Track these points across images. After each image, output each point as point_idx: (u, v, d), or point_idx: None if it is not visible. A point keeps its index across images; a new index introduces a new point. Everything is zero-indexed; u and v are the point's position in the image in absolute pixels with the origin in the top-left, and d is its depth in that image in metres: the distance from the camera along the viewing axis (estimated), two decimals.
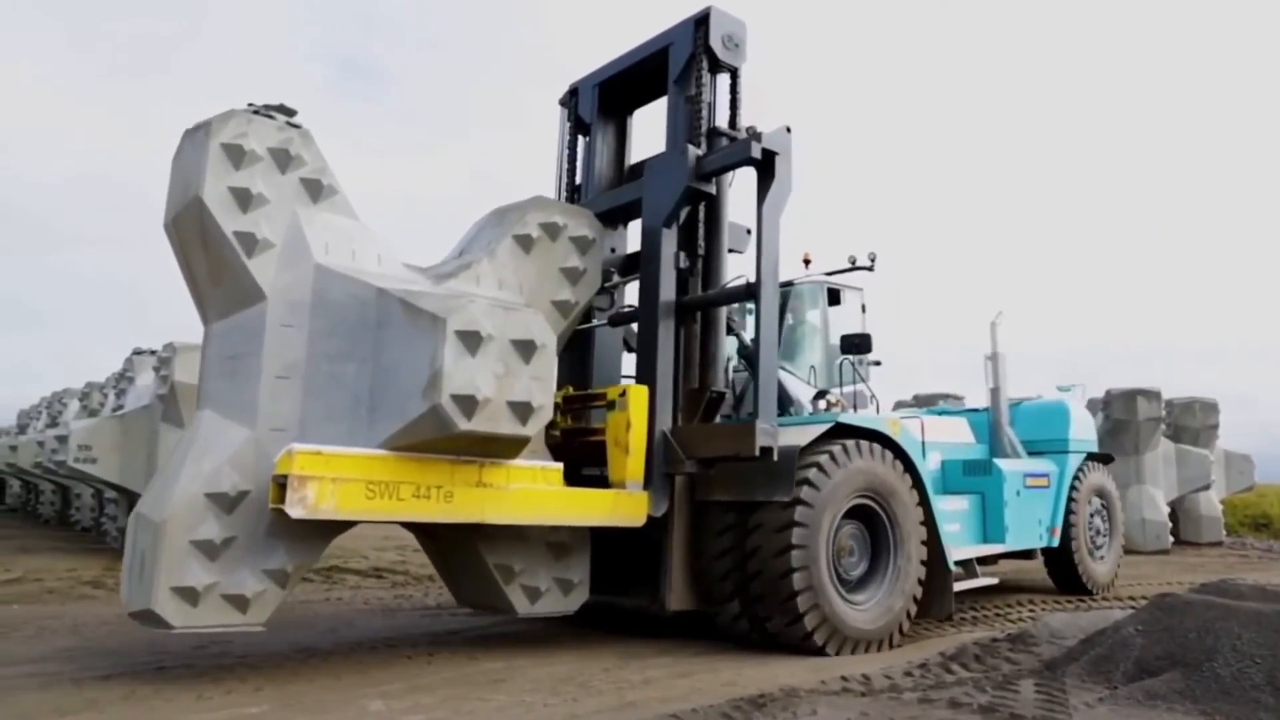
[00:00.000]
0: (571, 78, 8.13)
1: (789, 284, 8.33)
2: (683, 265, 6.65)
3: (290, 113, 5.64)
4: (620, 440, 6.21)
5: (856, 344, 7.18)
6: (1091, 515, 9.95)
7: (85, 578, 9.80)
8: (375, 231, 5.81)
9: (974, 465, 9.06)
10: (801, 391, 8.01)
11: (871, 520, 6.70)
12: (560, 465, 5.88)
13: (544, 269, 6.54)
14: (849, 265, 8.89)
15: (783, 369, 8.02)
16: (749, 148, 6.19)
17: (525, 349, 5.19)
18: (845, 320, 8.68)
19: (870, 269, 8.98)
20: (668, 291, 6.50)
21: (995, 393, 9.99)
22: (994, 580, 8.24)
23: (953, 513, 8.49)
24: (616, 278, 7.38)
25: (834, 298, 8.56)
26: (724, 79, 7.10)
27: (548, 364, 5.34)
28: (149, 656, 5.73)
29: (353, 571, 10.88)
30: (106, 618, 7.25)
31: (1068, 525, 9.49)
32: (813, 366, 8.27)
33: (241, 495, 5.02)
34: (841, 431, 6.55)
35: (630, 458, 6.19)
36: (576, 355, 7.65)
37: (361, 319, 5.34)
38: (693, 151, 6.50)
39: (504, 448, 5.28)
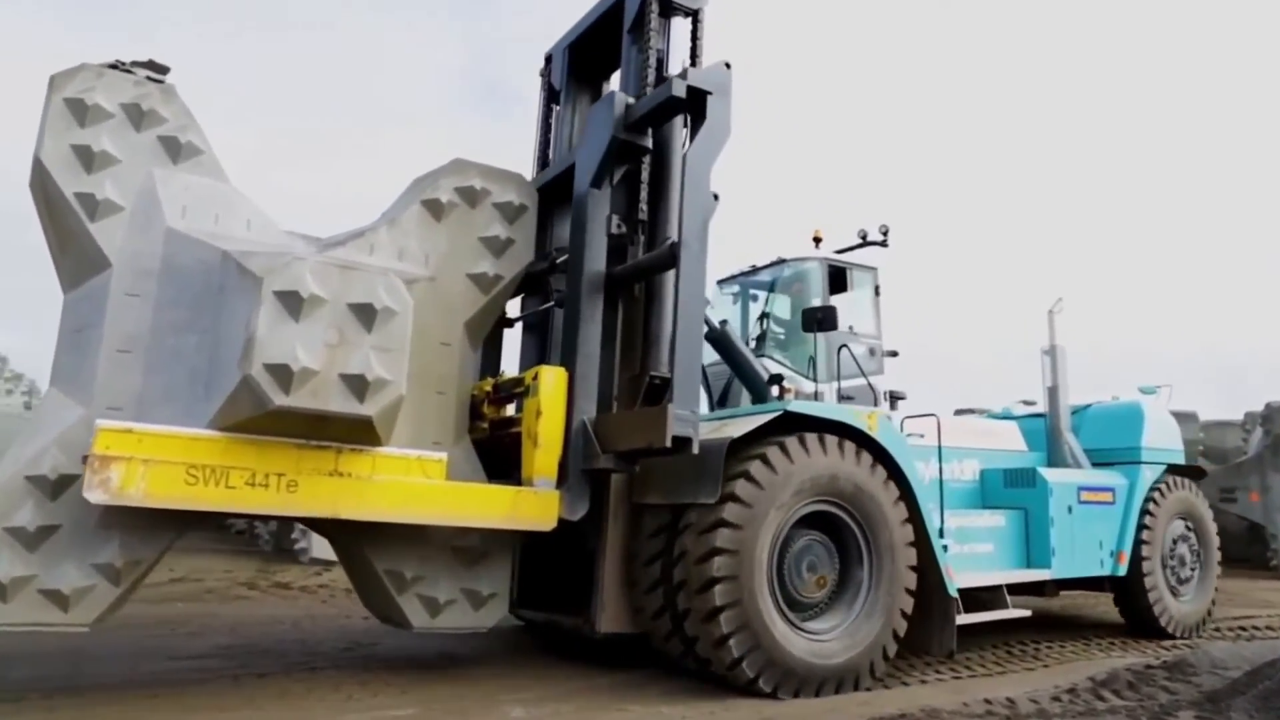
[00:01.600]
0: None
1: (780, 262, 7.29)
2: (616, 230, 5.77)
3: (160, 69, 5.19)
4: (530, 430, 5.39)
5: (819, 319, 6.06)
6: (1174, 542, 8.27)
7: (240, 579, 10.11)
8: (248, 196, 5.26)
9: (1016, 475, 7.66)
10: (793, 385, 6.92)
11: (841, 533, 5.57)
12: (444, 456, 5.11)
13: (459, 238, 5.81)
14: (859, 241, 7.76)
15: (774, 360, 6.99)
16: (671, 86, 5.29)
17: (366, 315, 4.48)
18: (857, 307, 7.53)
19: (883, 244, 7.82)
20: (595, 261, 5.65)
21: (1052, 392, 8.52)
22: (1022, 613, 6.84)
23: (985, 530, 7.18)
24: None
25: (838, 279, 7.42)
26: (684, 24, 6.22)
27: (397, 334, 4.60)
28: (302, 657, 5.98)
29: None
30: (261, 618, 7.64)
31: (1138, 550, 7.88)
32: (811, 358, 7.15)
33: (66, 480, 4.51)
34: (800, 424, 5.48)
35: (540, 450, 5.35)
36: (535, 339, 6.92)
37: (206, 285, 4.78)
38: (620, 99, 5.65)
39: (347, 430, 4.57)
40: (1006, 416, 9.26)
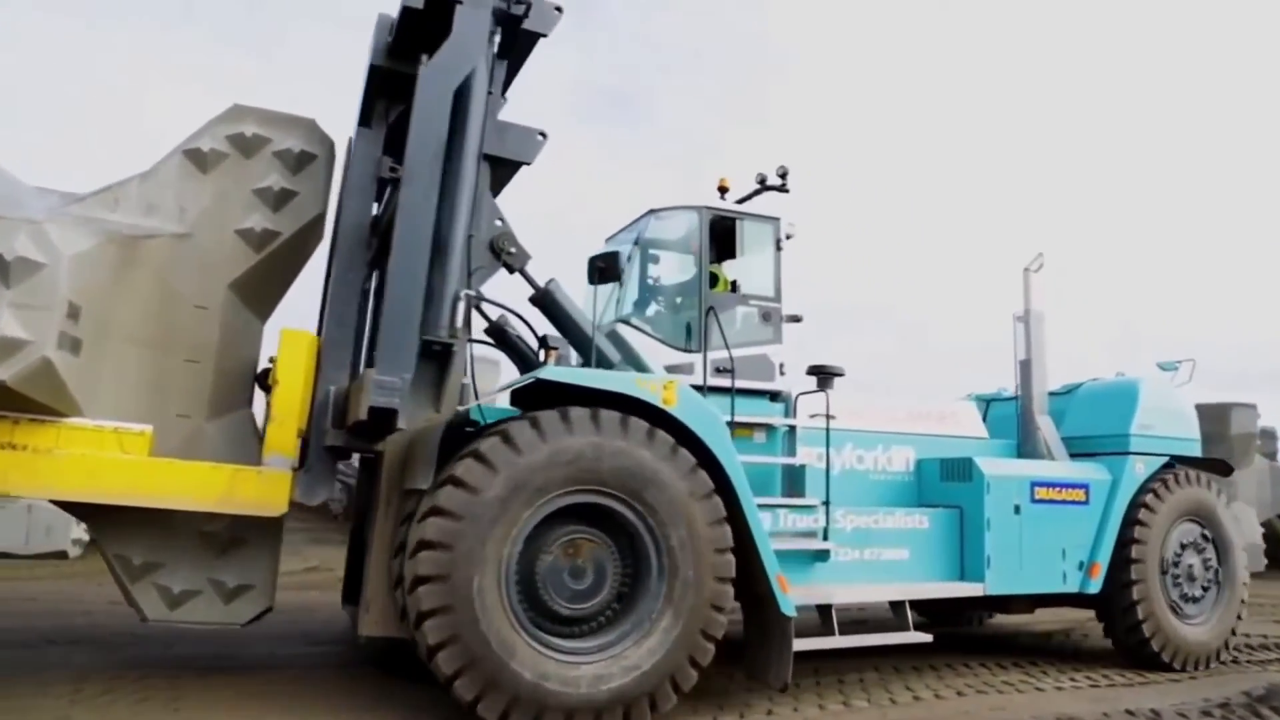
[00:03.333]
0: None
1: (649, 213, 6.27)
2: (388, 174, 5.02)
3: None
4: (267, 403, 4.74)
5: (601, 269, 4.99)
6: (1178, 551, 6.62)
7: None
8: None
9: (952, 467, 6.31)
10: (656, 356, 5.91)
11: (631, 533, 4.58)
12: (147, 429, 4.52)
13: (227, 190, 5.21)
14: (757, 186, 6.62)
15: (638, 328, 6.01)
16: None
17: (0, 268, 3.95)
18: (751, 263, 6.40)
19: (782, 189, 6.63)
20: (353, 210, 4.95)
21: (1025, 367, 7.04)
22: (921, 637, 5.53)
23: (896, 533, 5.94)
24: None
25: (724, 232, 6.30)
26: None
27: (44, 289, 4.04)
28: None
29: None
30: None
31: (1122, 561, 6.33)
32: (689, 325, 6.09)
33: None
34: (571, 397, 4.54)
35: (273, 425, 4.72)
36: None
37: None
38: (381, 20, 4.90)
39: (5, 396, 4.05)
40: (993, 398, 7.78)
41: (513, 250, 5.56)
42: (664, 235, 6.34)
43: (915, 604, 6.37)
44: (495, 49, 5.42)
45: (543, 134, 5.80)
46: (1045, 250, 7.07)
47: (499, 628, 4.15)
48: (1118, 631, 6.45)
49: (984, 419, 7.45)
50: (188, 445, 4.85)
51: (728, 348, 5.73)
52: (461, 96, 5.25)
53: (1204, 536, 6.75)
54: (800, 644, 4.90)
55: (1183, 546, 6.63)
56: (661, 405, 4.65)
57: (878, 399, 6.74)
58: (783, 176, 6.59)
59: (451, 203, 5.18)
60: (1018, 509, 6.10)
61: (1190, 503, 6.67)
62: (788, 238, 6.56)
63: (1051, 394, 7.42)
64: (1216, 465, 7.14)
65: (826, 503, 5.69)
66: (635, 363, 5.87)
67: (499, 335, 5.68)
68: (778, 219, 6.39)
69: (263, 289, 5.34)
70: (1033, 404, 6.91)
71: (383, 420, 4.18)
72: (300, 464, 4.72)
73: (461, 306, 5.10)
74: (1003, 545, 6.00)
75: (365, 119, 5.03)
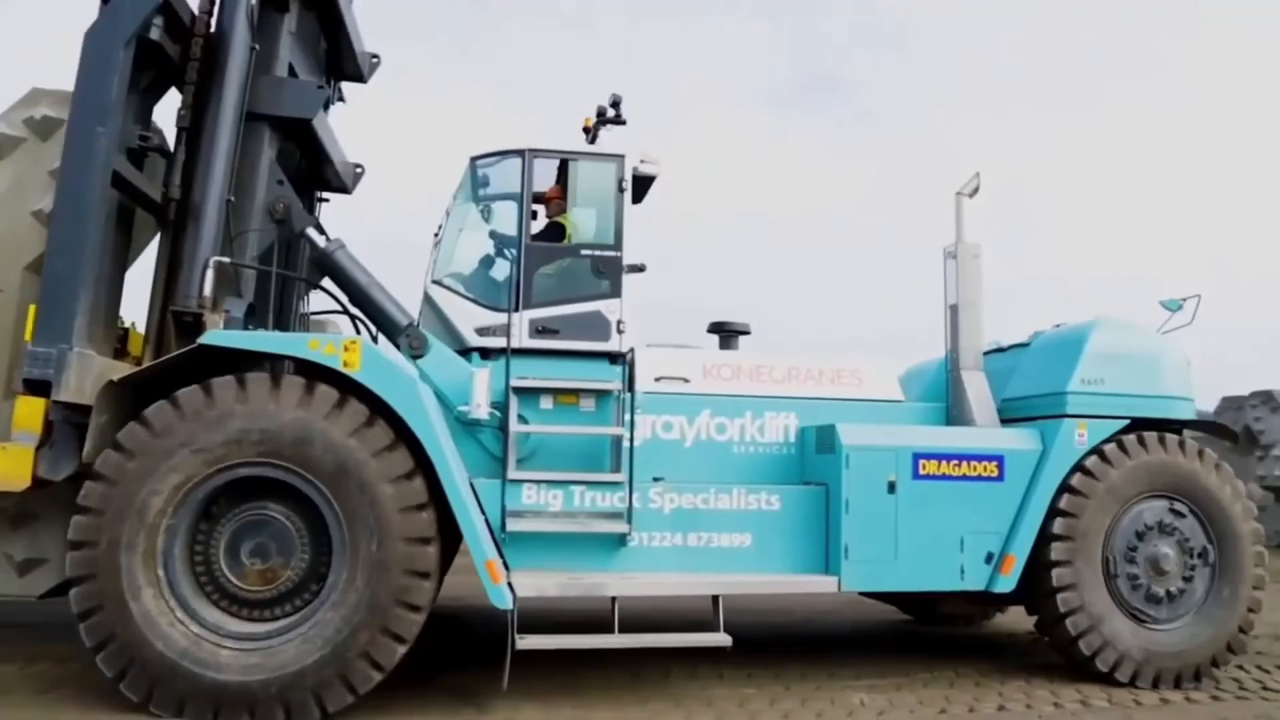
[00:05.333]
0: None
1: (471, 162, 5.70)
2: (136, 144, 4.86)
3: None
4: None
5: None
6: (1139, 535, 5.15)
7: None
8: None
9: (821, 436, 5.29)
10: (466, 318, 5.39)
11: (317, 512, 4.19)
12: None
13: (23, 174, 5.30)
14: (597, 118, 5.84)
15: (445, 288, 5.53)
16: None
17: None
18: (588, 208, 5.66)
19: (617, 120, 5.80)
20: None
21: (955, 313, 5.78)
22: (719, 640, 4.64)
23: (734, 516, 5.11)
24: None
25: (555, 176, 5.60)
26: None
27: None
28: None
29: None
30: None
31: (1048, 551, 5.02)
32: (506, 282, 5.48)
33: None
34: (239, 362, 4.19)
35: (19, 401, 4.72)
36: None
37: None
38: None
39: None
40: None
41: (288, 213, 5.28)
42: (487, 185, 5.76)
43: (895, 599, 5.40)
44: (255, 3, 5.14)
45: (321, 85, 5.46)
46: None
47: (147, 606, 3.93)
48: (1055, 641, 5.16)
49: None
50: None
51: (505, 299, 5.15)
52: (219, 57, 5.04)
53: (1179, 516, 5.21)
54: (528, 642, 4.29)
55: (1144, 531, 5.16)
56: (342, 369, 4.18)
57: (753, 356, 5.78)
58: (615, 105, 5.77)
59: (206, 166, 4.99)
60: (892, 487, 5.00)
61: (1157, 475, 5.17)
62: (646, 177, 5.79)
63: (1009, 347, 6.08)
64: (1216, 430, 5.50)
65: (630, 479, 4.96)
66: (447, 328, 5.40)
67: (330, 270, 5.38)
68: (621, 156, 5.60)
69: None
70: (962, 358, 5.65)
71: (38, 393, 4.06)
72: (45, 439, 4.73)
73: (211, 275, 4.90)
74: (867, 531, 4.94)
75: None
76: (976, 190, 5.79)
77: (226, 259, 4.93)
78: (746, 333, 6.24)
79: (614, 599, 4.68)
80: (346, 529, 4.08)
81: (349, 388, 4.22)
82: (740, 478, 5.33)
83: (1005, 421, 5.63)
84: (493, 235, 5.64)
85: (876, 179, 28.90)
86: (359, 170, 6.75)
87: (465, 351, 5.32)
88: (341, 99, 6.98)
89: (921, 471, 5.05)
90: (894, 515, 4.98)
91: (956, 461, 5.09)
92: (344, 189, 6.63)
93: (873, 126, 31.11)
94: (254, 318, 5.09)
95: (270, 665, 3.97)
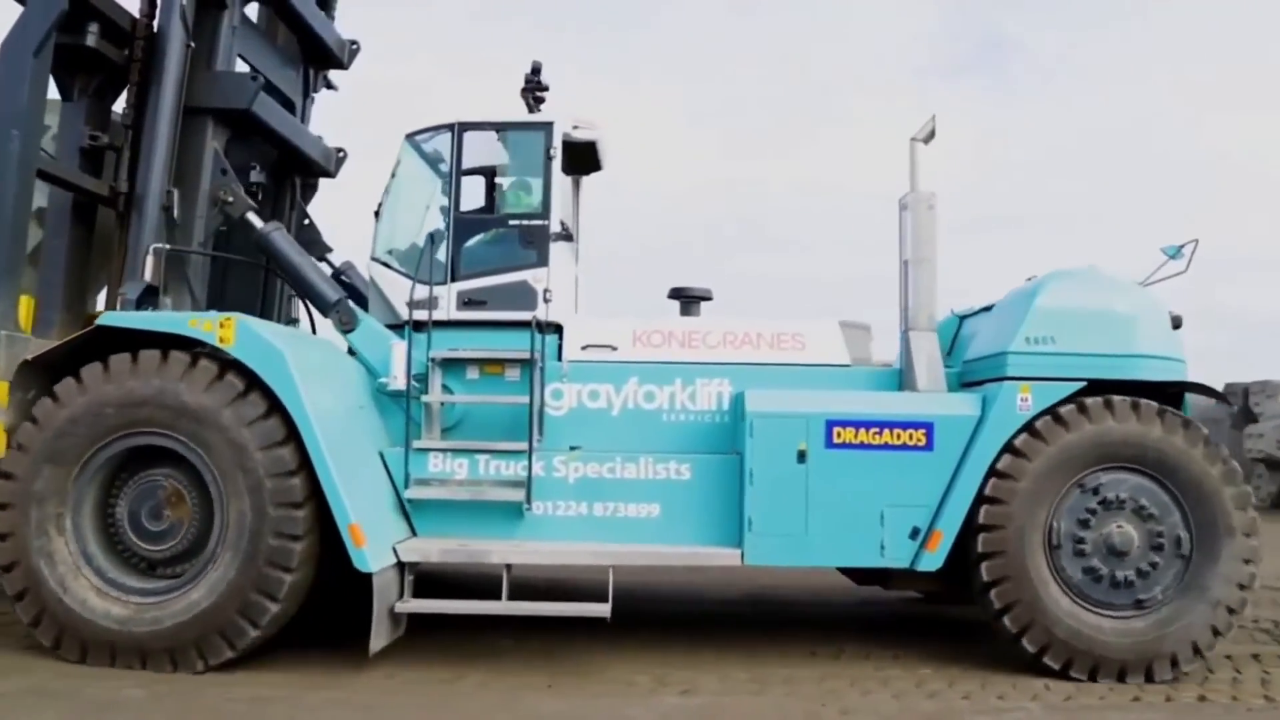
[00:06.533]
0: None
1: (406, 140, 5.78)
2: (87, 144, 5.32)
3: None
4: None
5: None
6: (1091, 511, 4.54)
7: None
8: None
9: (735, 405, 5.03)
10: (401, 292, 5.50)
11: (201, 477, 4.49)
12: None
13: None
14: (523, 88, 5.76)
15: (381, 264, 5.68)
16: None
17: None
18: (517, 178, 5.63)
19: (538, 87, 5.67)
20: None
21: (907, 270, 5.31)
22: (593, 610, 4.53)
23: (644, 486, 5.03)
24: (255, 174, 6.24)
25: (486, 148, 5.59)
26: None
27: None
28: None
29: None
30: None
31: (982, 528, 4.55)
32: (436, 255, 5.54)
33: None
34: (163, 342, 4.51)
35: None
36: None
37: None
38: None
39: None
40: (967, 313, 5.94)
41: (230, 200, 5.59)
42: (421, 160, 5.83)
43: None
44: (189, 1, 5.44)
45: (255, 76, 5.71)
46: None
47: (53, 562, 4.36)
48: (997, 628, 4.68)
49: (954, 340, 5.79)
50: None
51: (409, 272, 5.26)
52: (156, 56, 5.39)
53: (1142, 490, 4.56)
54: (407, 605, 4.41)
55: (1096, 508, 4.55)
56: (218, 345, 4.41)
57: (690, 322, 5.56)
58: (535, 73, 5.66)
59: (147, 159, 5.38)
60: (802, 456, 4.69)
61: (1111, 443, 4.53)
62: (582, 143, 5.69)
63: (981, 310, 5.54)
64: (1205, 392, 4.75)
65: (530, 449, 4.93)
66: (385, 302, 5.57)
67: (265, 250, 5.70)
68: (549, 124, 5.52)
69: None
70: (909, 318, 5.19)
71: None
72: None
73: (151, 261, 5.30)
74: (774, 504, 4.67)
75: (66, 94, 5.37)
76: (932, 135, 5.27)
77: (166, 245, 5.32)
78: (708, 298, 6.03)
79: (507, 567, 4.71)
80: (225, 493, 4.35)
81: (237, 364, 4.48)
82: (669, 447, 5.17)
83: (967, 387, 5.14)
84: (426, 209, 5.74)
85: None
86: (341, 155, 7.05)
87: (402, 325, 5.47)
88: (330, 86, 7.31)
89: (836, 440, 4.70)
90: (804, 487, 4.68)
91: (876, 429, 4.70)
92: (326, 173, 6.96)
93: None
94: (192, 298, 5.46)
95: (162, 618, 4.31)
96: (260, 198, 6.39)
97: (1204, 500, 4.56)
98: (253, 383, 4.42)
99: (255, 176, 6.33)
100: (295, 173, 6.73)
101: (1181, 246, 4.99)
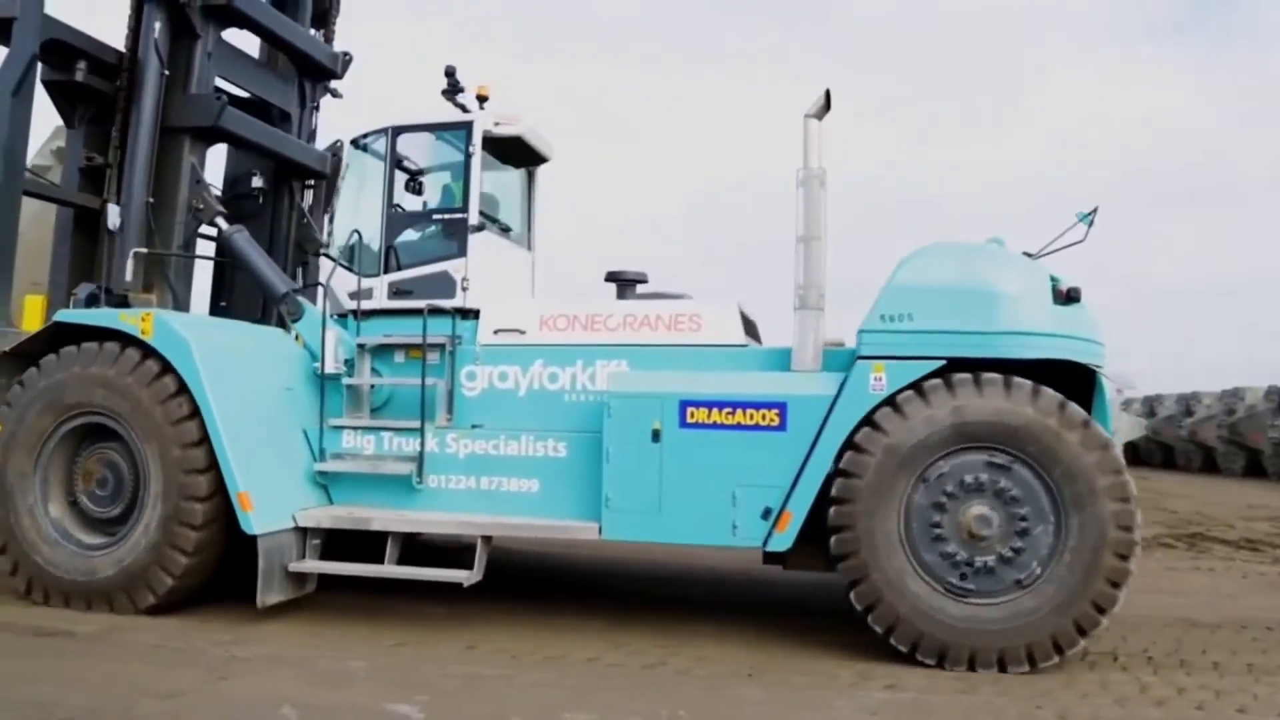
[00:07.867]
0: None
1: (351, 144, 6.26)
2: (84, 164, 6.24)
3: None
4: None
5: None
6: (948, 495, 4.30)
7: None
8: None
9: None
10: (344, 285, 6.02)
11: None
12: None
13: None
14: (445, 91, 6.08)
15: (329, 259, 6.24)
16: None
17: None
18: (439, 177, 5.99)
19: (457, 89, 5.95)
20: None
21: (802, 247, 5.21)
22: (451, 575, 4.80)
23: (523, 462, 5.32)
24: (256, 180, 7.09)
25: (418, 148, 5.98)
26: None
27: None
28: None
29: (1220, 541, 9.41)
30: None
31: (811, 508, 4.44)
32: (372, 250, 6.04)
33: None
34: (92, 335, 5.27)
35: None
36: None
37: None
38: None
39: None
40: None
41: (201, 206, 6.33)
42: (365, 162, 6.30)
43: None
44: (162, 35, 6.18)
45: (220, 95, 6.38)
46: None
47: (38, 523, 5.22)
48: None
49: None
50: None
51: (345, 267, 5.70)
52: (138, 81, 6.19)
53: (1005, 472, 4.25)
54: (300, 566, 4.95)
55: (955, 492, 4.30)
56: (140, 336, 5.07)
57: (594, 304, 5.70)
58: (449, 75, 5.94)
59: (130, 173, 6.20)
60: (656, 435, 4.76)
61: (965, 423, 4.26)
62: (505, 138, 5.98)
63: None
64: (1086, 372, 4.33)
65: (422, 427, 5.31)
66: (331, 295, 6.13)
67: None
68: (469, 123, 5.87)
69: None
70: (800, 296, 5.09)
71: None
72: None
73: (132, 263, 6.13)
74: (628, 481, 4.78)
75: (69, 121, 6.29)
76: (826, 111, 5.12)
77: (144, 249, 6.14)
78: (643, 281, 6.17)
79: (391, 534, 5.13)
80: (147, 463, 5.04)
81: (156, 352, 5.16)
82: (571, 426, 5.39)
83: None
84: (370, 208, 6.23)
85: None
86: (336, 155, 7.70)
87: (346, 314, 6.01)
88: (335, 94, 7.98)
89: (689, 420, 4.74)
90: (659, 465, 4.76)
91: (730, 409, 4.70)
92: (321, 175, 7.62)
93: None
94: (173, 295, 6.26)
95: (103, 568, 5.08)
96: (261, 201, 7.21)
97: (1079, 489, 4.22)
98: (167, 368, 5.08)
99: (256, 182, 7.13)
100: (291, 177, 7.45)
101: (1090, 213, 4.59)
